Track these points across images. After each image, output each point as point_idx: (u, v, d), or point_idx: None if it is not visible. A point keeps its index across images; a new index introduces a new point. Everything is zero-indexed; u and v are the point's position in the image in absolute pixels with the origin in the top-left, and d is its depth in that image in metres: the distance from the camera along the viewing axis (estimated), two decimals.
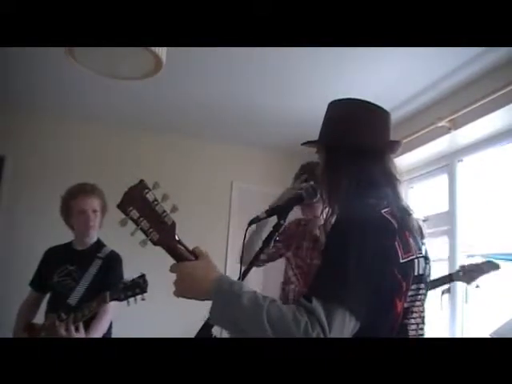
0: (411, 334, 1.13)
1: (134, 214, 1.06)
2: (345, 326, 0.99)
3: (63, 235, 2.49)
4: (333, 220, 1.21)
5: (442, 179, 3.35)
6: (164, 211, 1.08)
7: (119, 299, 2.08)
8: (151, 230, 1.07)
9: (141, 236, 1.08)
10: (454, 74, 2.81)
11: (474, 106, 2.73)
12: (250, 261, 1.84)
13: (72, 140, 3.96)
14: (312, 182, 1.63)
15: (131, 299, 2.09)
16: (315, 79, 3.07)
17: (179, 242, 1.10)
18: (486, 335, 2.27)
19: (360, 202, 1.17)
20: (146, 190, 1.08)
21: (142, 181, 1.09)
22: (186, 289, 1.10)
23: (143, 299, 2.11)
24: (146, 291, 2.08)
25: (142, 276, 2.10)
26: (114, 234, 2.47)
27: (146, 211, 1.07)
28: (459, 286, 2.98)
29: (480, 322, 2.85)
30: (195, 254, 1.11)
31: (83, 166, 3.82)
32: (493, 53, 2.54)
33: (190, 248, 1.13)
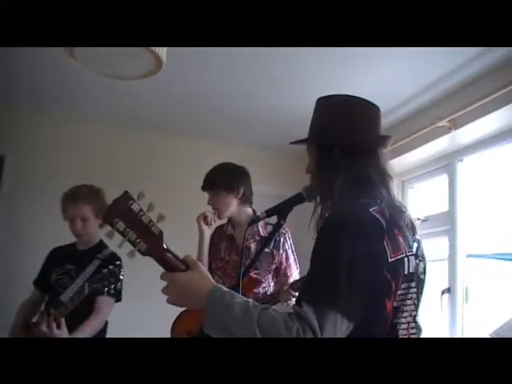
0: (402, 333, 1.12)
1: (120, 225, 1.05)
2: (337, 329, 0.99)
3: (63, 235, 2.49)
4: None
5: (442, 179, 3.34)
6: (150, 221, 1.07)
7: (97, 290, 2.07)
8: (138, 240, 1.06)
9: (129, 247, 1.07)
10: (453, 73, 2.81)
11: (474, 106, 2.73)
12: (249, 263, 1.85)
13: (72, 140, 3.96)
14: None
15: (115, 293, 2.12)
16: (314, 79, 3.06)
17: (168, 250, 1.09)
18: (486, 335, 2.27)
19: (350, 201, 1.15)
20: (131, 201, 1.06)
21: (126, 192, 1.08)
22: (180, 300, 1.11)
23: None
24: (119, 280, 2.09)
25: (118, 265, 2.11)
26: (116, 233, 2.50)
27: (132, 222, 1.05)
28: (459, 286, 2.99)
29: (480, 322, 2.85)
30: (185, 263, 1.10)
31: (83, 166, 3.81)
32: (493, 53, 2.54)
33: (180, 255, 1.12)
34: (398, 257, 1.10)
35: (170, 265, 1.09)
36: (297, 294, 2.19)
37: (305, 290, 1.06)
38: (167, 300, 1.10)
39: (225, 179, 2.33)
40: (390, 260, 1.08)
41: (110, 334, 2.42)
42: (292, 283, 2.22)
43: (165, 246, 1.09)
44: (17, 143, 3.81)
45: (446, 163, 3.29)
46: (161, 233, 1.08)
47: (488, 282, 2.95)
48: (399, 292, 1.11)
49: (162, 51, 1.98)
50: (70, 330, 2.09)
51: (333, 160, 1.22)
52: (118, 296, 2.31)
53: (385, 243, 1.08)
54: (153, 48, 1.92)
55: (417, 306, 1.17)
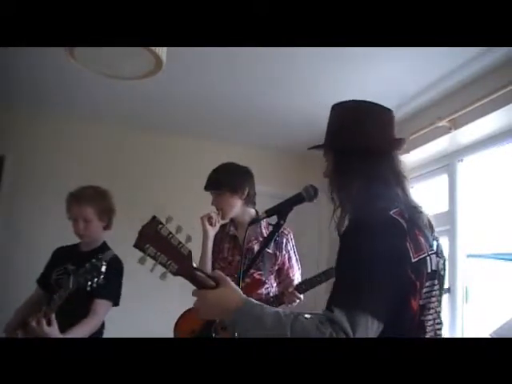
0: (429, 329, 1.15)
1: (151, 250, 1.11)
2: (368, 330, 1.02)
3: (63, 235, 2.49)
4: (345, 222, 1.24)
5: (442, 179, 3.34)
6: (179, 242, 1.13)
7: (80, 283, 2.04)
8: (169, 262, 1.12)
9: (161, 269, 1.13)
10: (453, 73, 2.81)
11: (474, 105, 2.73)
12: (249, 263, 1.85)
13: (72, 140, 3.96)
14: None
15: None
16: (314, 79, 3.07)
17: (197, 269, 1.15)
18: (486, 335, 2.27)
19: (370, 205, 1.19)
20: (160, 226, 1.13)
21: (154, 217, 1.14)
22: (211, 315, 1.19)
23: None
24: (102, 275, 2.05)
25: (100, 259, 2.08)
26: (117, 234, 2.50)
27: (161, 246, 1.12)
28: (459, 286, 2.99)
29: (480, 322, 2.85)
30: (215, 279, 1.15)
31: (83, 166, 3.82)
32: (493, 53, 2.54)
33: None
34: (421, 256, 1.14)
35: (201, 283, 1.14)
36: (302, 296, 2.20)
37: (334, 294, 1.08)
38: (199, 316, 1.16)
39: (230, 180, 2.33)
40: (413, 260, 1.12)
41: (112, 335, 2.41)
42: (297, 285, 2.22)
43: (194, 265, 1.14)
44: (17, 143, 3.81)
45: (446, 163, 3.29)
46: (189, 253, 1.14)
47: (488, 282, 2.95)
48: (424, 290, 1.14)
49: (162, 51, 1.98)
50: (68, 330, 2.08)
51: (349, 164, 1.26)
52: (115, 300, 2.31)
53: (407, 244, 1.12)
54: (153, 48, 1.92)
55: (440, 302, 1.21)
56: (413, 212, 1.19)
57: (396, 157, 1.31)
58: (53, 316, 2.01)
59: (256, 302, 1.11)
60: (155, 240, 1.11)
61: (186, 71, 3.06)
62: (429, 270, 1.16)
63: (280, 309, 1.10)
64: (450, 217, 3.14)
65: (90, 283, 2.05)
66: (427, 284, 1.15)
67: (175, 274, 1.12)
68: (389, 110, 1.32)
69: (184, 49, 2.53)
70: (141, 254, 1.12)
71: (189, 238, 1.15)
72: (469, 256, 3.03)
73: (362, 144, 1.26)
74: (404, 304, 1.10)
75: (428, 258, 1.16)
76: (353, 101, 1.33)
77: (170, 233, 1.13)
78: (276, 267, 2.33)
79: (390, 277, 1.07)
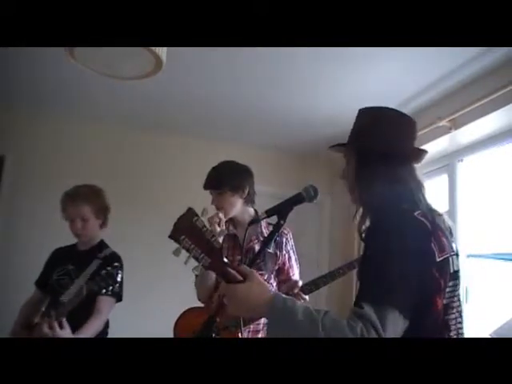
0: (452, 328, 1.18)
1: (186, 242, 1.12)
2: (396, 327, 1.05)
3: (63, 235, 2.49)
4: (367, 222, 1.27)
5: (442, 179, 3.35)
6: (213, 236, 1.14)
7: (94, 290, 2.07)
8: (202, 255, 1.13)
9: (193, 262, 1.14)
10: (453, 73, 2.81)
11: (474, 105, 2.74)
12: (249, 263, 1.85)
13: (72, 140, 3.96)
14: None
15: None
16: (314, 79, 3.07)
17: (228, 264, 1.15)
18: (486, 335, 2.27)
19: (394, 206, 1.21)
20: (196, 218, 1.14)
21: (190, 209, 1.15)
22: (241, 310, 1.18)
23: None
24: (117, 282, 2.09)
25: (116, 267, 2.11)
26: (115, 232, 2.50)
27: (195, 238, 1.13)
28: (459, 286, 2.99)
29: (480, 322, 2.85)
30: (242, 273, 1.16)
31: (83, 166, 3.81)
32: (493, 53, 2.54)
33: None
34: (444, 256, 1.17)
35: (229, 277, 1.14)
36: (307, 297, 2.20)
37: (363, 291, 1.10)
38: (228, 311, 1.16)
39: (231, 179, 2.31)
40: (437, 260, 1.15)
41: (111, 335, 2.41)
42: (302, 286, 2.22)
43: (225, 260, 1.15)
44: (17, 143, 3.81)
45: (446, 163, 3.29)
46: (221, 247, 1.16)
47: (488, 282, 2.95)
48: (447, 290, 1.17)
49: (162, 51, 1.98)
50: (71, 330, 2.09)
51: (373, 165, 1.29)
52: (118, 296, 2.31)
53: (432, 244, 1.15)
54: (153, 48, 1.92)
55: (461, 301, 1.24)
56: (434, 215, 1.23)
57: (415, 166, 1.34)
58: (64, 320, 2.03)
59: (285, 296, 1.12)
60: (190, 232, 1.12)
61: (185, 71, 3.06)
62: (451, 271, 1.19)
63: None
64: (450, 217, 3.12)
65: (104, 291, 2.07)
66: (450, 284, 1.18)
67: (207, 268, 1.13)
68: (412, 118, 1.35)
69: (184, 49, 2.53)
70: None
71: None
72: (469, 256, 3.03)
73: (385, 147, 1.29)
74: (430, 302, 1.13)
75: (451, 258, 1.19)
76: (380, 107, 1.36)
77: (204, 225, 1.14)
78: (276, 267, 2.33)
79: (417, 274, 1.10)
